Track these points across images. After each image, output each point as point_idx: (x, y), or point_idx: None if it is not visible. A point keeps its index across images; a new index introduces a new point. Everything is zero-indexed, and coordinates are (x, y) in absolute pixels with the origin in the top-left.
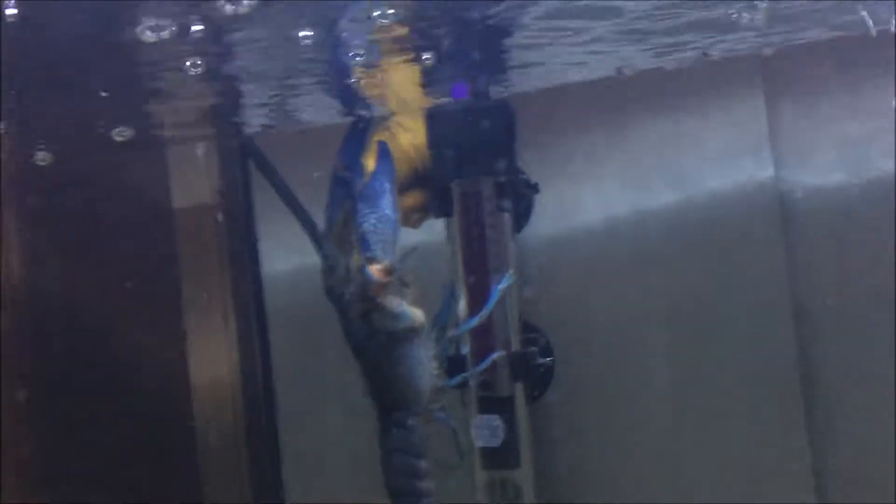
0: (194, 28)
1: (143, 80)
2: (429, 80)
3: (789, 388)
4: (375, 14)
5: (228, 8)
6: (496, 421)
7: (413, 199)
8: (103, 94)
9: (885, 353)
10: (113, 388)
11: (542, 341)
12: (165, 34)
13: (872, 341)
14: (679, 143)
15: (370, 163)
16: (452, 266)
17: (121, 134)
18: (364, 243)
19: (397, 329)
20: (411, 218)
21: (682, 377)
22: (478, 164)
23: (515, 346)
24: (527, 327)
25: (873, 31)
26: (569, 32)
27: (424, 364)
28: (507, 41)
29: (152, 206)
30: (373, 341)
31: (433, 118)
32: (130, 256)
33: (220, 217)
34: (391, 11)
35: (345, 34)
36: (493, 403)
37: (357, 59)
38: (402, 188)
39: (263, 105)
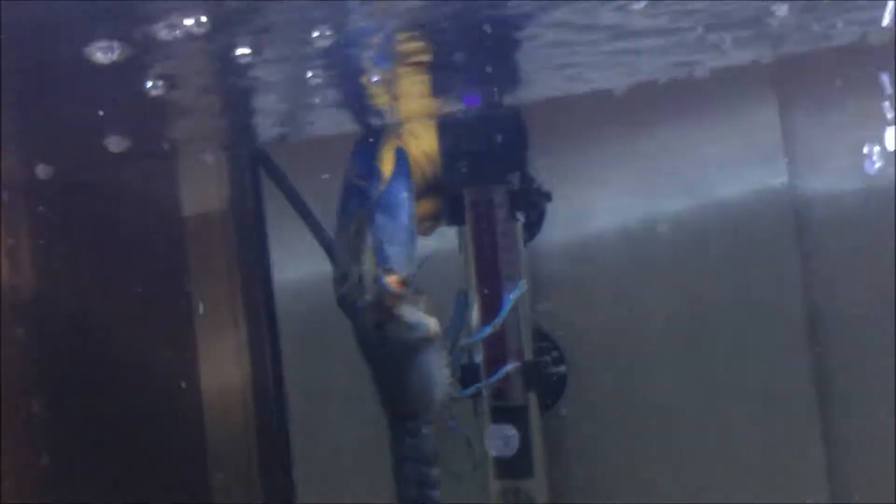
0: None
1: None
2: (440, 89)
3: (804, 396)
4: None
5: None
6: (510, 430)
7: (425, 206)
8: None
9: None
10: (124, 396)
11: (555, 350)
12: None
13: (887, 349)
14: (693, 152)
15: (388, 169)
16: (465, 274)
17: (117, 144)
18: (381, 254)
19: (412, 339)
20: (423, 226)
21: (696, 385)
22: (490, 172)
23: (528, 355)
24: (539, 336)
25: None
26: (583, 43)
27: (438, 373)
28: (520, 50)
29: (163, 214)
30: (387, 350)
31: (445, 126)
32: (141, 264)
33: (230, 225)
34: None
35: (355, 46)
36: (507, 413)
37: (369, 67)
38: (414, 196)
39: (274, 114)
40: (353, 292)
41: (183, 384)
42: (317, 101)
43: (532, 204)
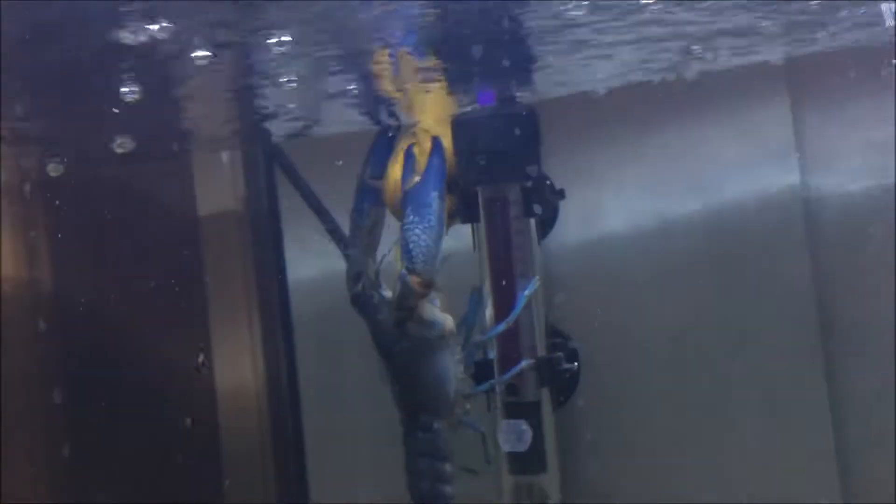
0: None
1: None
2: (455, 87)
3: (816, 395)
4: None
5: None
6: (523, 426)
7: None
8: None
9: None
10: (139, 394)
11: (568, 347)
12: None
13: None
14: (704, 151)
15: (422, 161)
16: (479, 271)
17: (121, 146)
18: (407, 253)
19: (430, 336)
20: None
21: (707, 383)
22: (504, 169)
23: (541, 351)
24: (553, 333)
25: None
26: (595, 42)
27: (452, 369)
28: (534, 48)
29: (179, 213)
30: (403, 347)
31: (459, 124)
32: (157, 262)
33: (245, 223)
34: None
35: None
36: (520, 409)
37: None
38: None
39: (289, 111)
40: (366, 290)
41: (196, 383)
42: (333, 97)
43: (546, 201)
